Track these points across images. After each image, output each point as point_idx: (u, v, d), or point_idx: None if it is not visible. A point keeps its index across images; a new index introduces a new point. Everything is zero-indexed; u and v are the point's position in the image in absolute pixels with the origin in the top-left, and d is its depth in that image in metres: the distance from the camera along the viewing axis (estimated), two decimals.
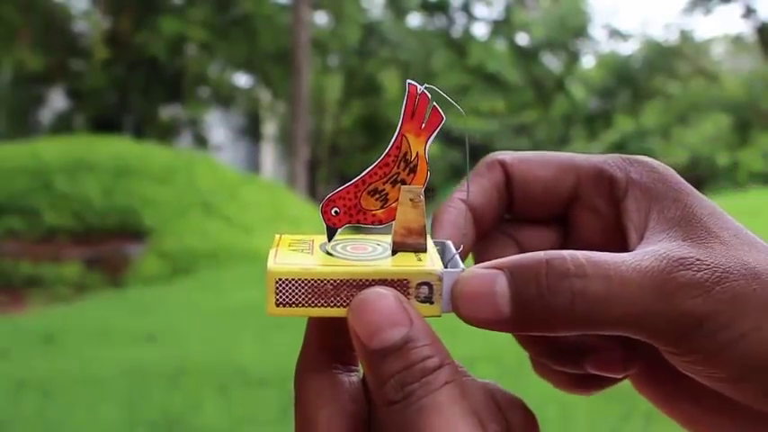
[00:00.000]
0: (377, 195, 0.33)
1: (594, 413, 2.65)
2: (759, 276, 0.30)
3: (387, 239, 0.35)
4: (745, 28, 19.05)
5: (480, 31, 19.62)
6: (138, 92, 12.66)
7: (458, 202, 0.37)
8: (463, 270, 0.32)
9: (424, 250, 0.33)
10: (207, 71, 13.71)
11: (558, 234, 0.39)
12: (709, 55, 17.99)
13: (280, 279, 0.31)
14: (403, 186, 0.33)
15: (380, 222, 0.34)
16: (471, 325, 0.32)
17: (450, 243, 0.35)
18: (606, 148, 16.83)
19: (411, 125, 0.33)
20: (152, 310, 4.84)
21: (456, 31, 17.05)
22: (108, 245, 7.10)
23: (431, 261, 0.32)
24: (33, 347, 4.02)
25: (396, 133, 0.33)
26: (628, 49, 20.58)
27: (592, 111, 17.84)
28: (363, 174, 0.33)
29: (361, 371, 0.33)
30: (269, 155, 16.81)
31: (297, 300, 0.31)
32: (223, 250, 7.21)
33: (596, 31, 23.47)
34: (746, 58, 16.98)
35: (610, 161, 0.37)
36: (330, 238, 0.34)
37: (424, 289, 0.31)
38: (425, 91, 0.33)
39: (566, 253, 0.31)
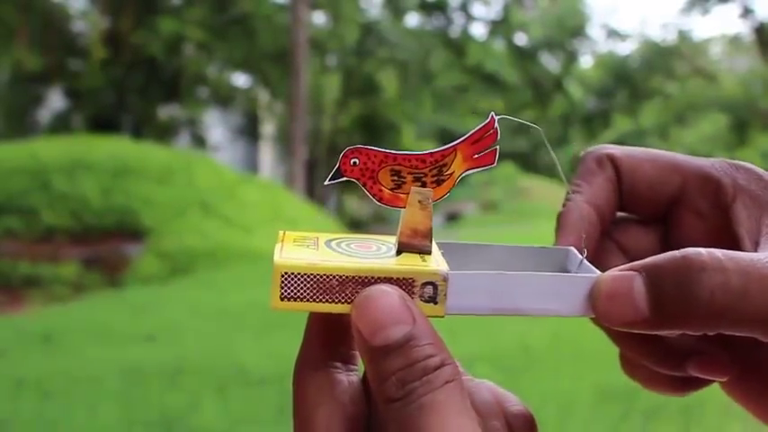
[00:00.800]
0: (395, 177, 0.33)
1: (593, 413, 2.65)
2: None
3: (391, 240, 0.35)
4: (743, 28, 19.06)
5: (478, 30, 19.64)
6: (136, 92, 12.65)
7: (581, 204, 0.37)
8: (599, 275, 0.32)
9: (429, 252, 0.34)
10: (205, 71, 13.70)
11: (659, 235, 0.39)
12: (707, 55, 18.00)
13: (285, 273, 0.31)
14: (413, 188, 0.33)
15: (380, 200, 0.33)
16: (609, 326, 0.32)
17: (573, 249, 0.35)
18: None
19: (468, 148, 0.33)
20: (150, 309, 4.84)
21: (454, 31, 17.08)
22: (106, 245, 7.10)
23: (435, 262, 0.33)
24: (32, 347, 4.01)
25: (453, 142, 0.33)
26: (626, 49, 20.72)
27: (590, 111, 17.86)
28: (399, 152, 0.33)
29: (361, 369, 0.33)
30: (267, 155, 16.79)
31: (301, 294, 0.31)
32: (221, 250, 7.21)
33: (594, 31, 23.51)
34: (744, 58, 16.99)
35: (716, 165, 0.37)
36: (333, 179, 0.34)
37: (429, 289, 0.31)
38: (498, 127, 0.33)
39: (702, 249, 0.30)
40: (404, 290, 0.31)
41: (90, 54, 12.39)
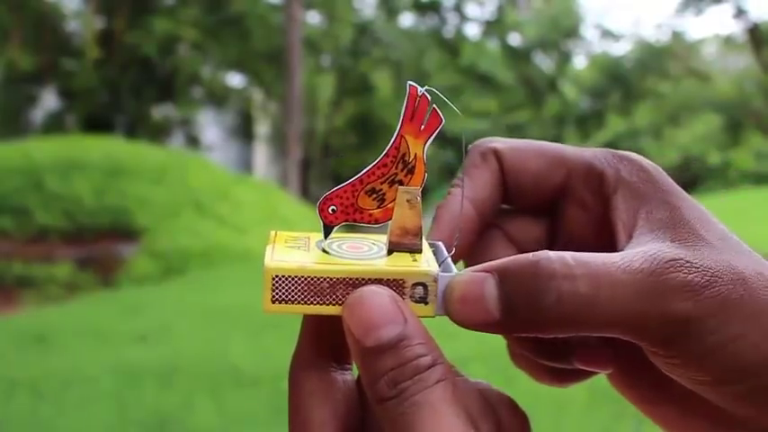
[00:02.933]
0: (374, 195, 0.34)
1: (586, 413, 2.65)
2: (746, 282, 0.30)
3: (383, 239, 0.35)
4: (737, 28, 19.10)
5: (472, 31, 19.61)
6: (130, 92, 12.63)
7: (459, 198, 0.37)
8: (456, 274, 0.32)
9: (420, 251, 0.34)
10: (199, 71, 13.68)
11: (546, 226, 0.39)
12: (700, 55, 18.02)
13: (276, 276, 0.31)
14: (400, 187, 0.33)
15: (377, 222, 0.34)
16: (464, 328, 0.32)
17: (441, 245, 0.35)
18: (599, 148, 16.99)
19: (410, 126, 0.33)
20: (144, 310, 4.83)
21: (448, 31, 17.07)
22: (100, 245, 7.09)
23: (426, 262, 0.33)
24: (25, 347, 4.00)
25: (395, 134, 0.33)
26: (619, 49, 20.55)
27: (584, 111, 17.85)
28: (361, 173, 0.33)
29: (356, 369, 0.33)
30: (261, 155, 16.77)
31: (292, 297, 0.31)
32: (215, 250, 7.21)
33: (588, 32, 23.48)
34: (738, 58, 17.02)
35: (600, 157, 0.37)
36: (326, 235, 0.34)
37: (419, 289, 0.31)
38: (426, 93, 0.33)
39: (552, 254, 0.30)
40: (395, 291, 0.31)
41: (84, 54, 12.36)
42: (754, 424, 0.32)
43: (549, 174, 0.37)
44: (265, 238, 0.35)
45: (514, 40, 17.73)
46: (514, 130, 17.62)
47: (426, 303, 0.32)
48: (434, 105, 0.33)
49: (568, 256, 0.30)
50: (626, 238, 0.34)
